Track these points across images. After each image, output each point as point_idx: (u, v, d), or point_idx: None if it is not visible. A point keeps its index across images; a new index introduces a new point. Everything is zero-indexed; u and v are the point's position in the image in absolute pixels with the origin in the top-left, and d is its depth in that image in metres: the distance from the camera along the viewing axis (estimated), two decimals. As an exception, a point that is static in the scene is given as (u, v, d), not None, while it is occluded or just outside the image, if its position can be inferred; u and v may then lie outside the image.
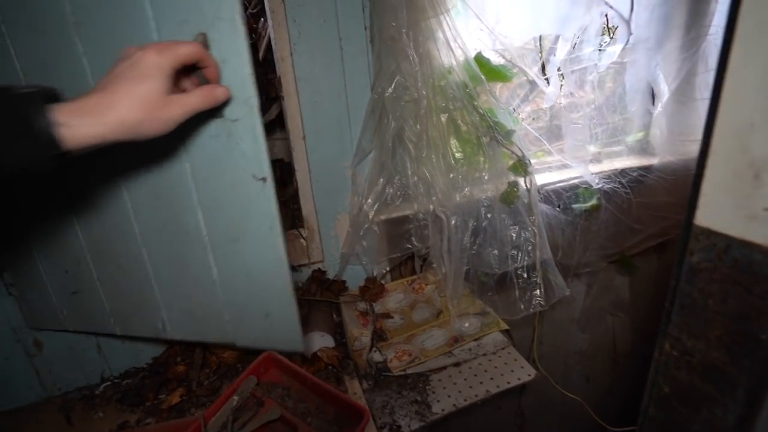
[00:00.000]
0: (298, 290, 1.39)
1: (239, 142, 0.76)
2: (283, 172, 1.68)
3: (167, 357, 1.31)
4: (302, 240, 1.41)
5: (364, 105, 1.35)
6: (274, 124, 1.66)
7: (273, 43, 1.31)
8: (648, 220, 1.76)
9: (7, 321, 1.15)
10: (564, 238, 1.56)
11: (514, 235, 1.28)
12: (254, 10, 1.52)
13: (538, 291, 1.29)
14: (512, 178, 1.32)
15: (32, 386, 1.29)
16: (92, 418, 1.22)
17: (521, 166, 1.31)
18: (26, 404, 1.30)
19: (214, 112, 0.73)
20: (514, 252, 1.28)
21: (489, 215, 1.31)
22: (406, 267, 1.62)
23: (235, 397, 0.91)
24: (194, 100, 0.65)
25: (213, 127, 0.76)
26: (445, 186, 1.31)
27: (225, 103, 0.72)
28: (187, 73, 0.69)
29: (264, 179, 0.77)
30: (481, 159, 1.29)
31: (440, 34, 1.29)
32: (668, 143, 1.70)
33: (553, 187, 1.58)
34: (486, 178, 1.30)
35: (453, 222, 1.27)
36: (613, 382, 2.21)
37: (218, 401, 0.90)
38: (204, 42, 0.68)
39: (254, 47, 1.52)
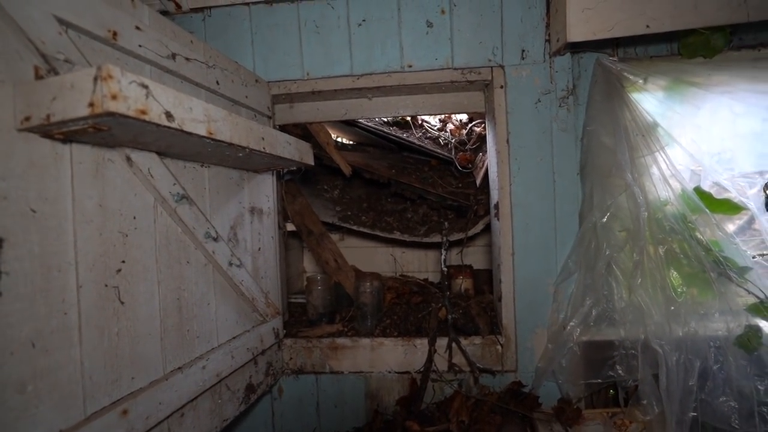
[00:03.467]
0: (491, 395, 1.45)
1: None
2: (477, 279, 1.87)
3: (370, 428, 1.50)
4: (499, 347, 1.50)
5: (570, 229, 1.47)
6: (477, 236, 1.91)
7: (492, 174, 1.61)
8: None
9: (280, 369, 1.52)
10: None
11: (761, 388, 1.11)
12: (473, 146, 1.89)
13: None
14: (753, 321, 1.19)
15: (267, 424, 1.63)
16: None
17: (765, 309, 1.18)
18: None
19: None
20: (765, 410, 1.09)
21: (721, 358, 1.18)
22: (599, 396, 1.51)
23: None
24: None
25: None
26: (661, 317, 1.26)
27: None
28: None
29: None
30: (710, 295, 1.22)
31: (655, 170, 1.37)
32: None
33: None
34: (716, 316, 1.20)
35: (674, 358, 1.19)
36: None
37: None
38: None
39: (471, 175, 1.87)
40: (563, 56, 1.47)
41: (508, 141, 1.49)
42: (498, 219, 1.51)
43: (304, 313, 1.81)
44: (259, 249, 1.42)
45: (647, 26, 1.25)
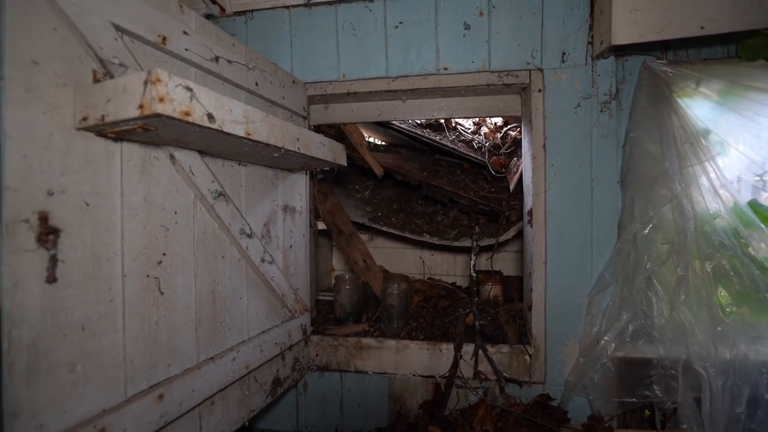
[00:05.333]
0: (517, 405, 1.41)
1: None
2: (507, 286, 1.82)
3: (392, 430, 1.50)
4: (527, 357, 1.46)
5: (607, 239, 1.41)
6: (508, 242, 1.87)
7: (526, 180, 1.57)
8: None
9: (306, 365, 1.56)
10: None
11: (819, 422, 1.02)
12: (508, 151, 1.85)
13: None
14: (811, 348, 1.09)
15: (292, 417, 1.67)
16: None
17: (826, 336, 1.08)
18: (284, 430, 1.67)
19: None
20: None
21: (774, 387, 1.09)
22: (632, 416, 1.44)
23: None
24: None
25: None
26: (706, 338, 1.19)
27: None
28: None
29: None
30: (764, 317, 1.13)
31: (704, 180, 1.29)
32: None
33: None
34: (770, 340, 1.12)
35: (719, 383, 1.11)
36: None
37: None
38: None
39: (504, 179, 1.83)
40: (606, 59, 1.41)
41: (544, 146, 1.44)
42: (531, 226, 1.47)
43: (331, 311, 1.83)
44: (291, 246, 1.45)
45: (702, 27, 1.17)
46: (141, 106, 0.62)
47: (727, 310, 1.18)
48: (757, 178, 1.34)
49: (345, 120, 1.74)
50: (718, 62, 1.39)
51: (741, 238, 1.22)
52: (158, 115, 0.61)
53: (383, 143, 2.30)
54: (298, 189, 1.51)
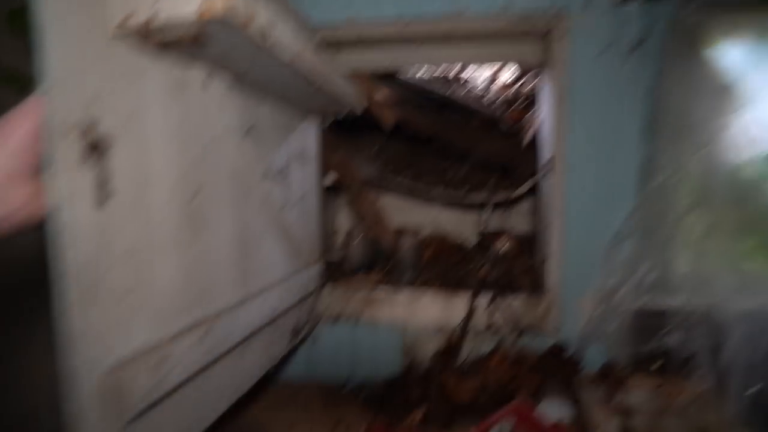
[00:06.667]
0: (532, 356, 1.42)
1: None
2: (519, 242, 1.81)
3: (404, 380, 1.50)
4: (542, 308, 1.46)
5: (628, 190, 1.39)
6: (519, 200, 1.85)
7: (544, 131, 1.53)
8: None
9: (319, 316, 1.53)
10: None
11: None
12: (521, 106, 1.80)
13: None
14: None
15: (303, 369, 1.65)
16: (341, 407, 1.47)
17: None
18: (295, 382, 1.66)
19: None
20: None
21: (792, 333, 1.11)
22: (646, 364, 1.46)
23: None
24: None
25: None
26: (726, 288, 1.19)
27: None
28: None
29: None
30: (785, 264, 1.14)
31: (732, 132, 1.26)
32: None
33: None
34: (790, 287, 1.12)
35: (738, 332, 1.13)
36: None
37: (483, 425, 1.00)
38: None
39: (517, 135, 1.78)
40: (633, 5, 1.34)
41: (566, 95, 1.39)
42: (549, 178, 1.44)
43: (339, 267, 1.80)
44: (303, 195, 1.40)
45: (744, -37, 1.11)
46: (201, 9, 0.54)
47: (750, 260, 1.19)
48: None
49: (356, 68, 1.66)
50: (752, 7, 1.34)
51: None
52: (220, 22, 0.55)
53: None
54: (309, 137, 1.44)
